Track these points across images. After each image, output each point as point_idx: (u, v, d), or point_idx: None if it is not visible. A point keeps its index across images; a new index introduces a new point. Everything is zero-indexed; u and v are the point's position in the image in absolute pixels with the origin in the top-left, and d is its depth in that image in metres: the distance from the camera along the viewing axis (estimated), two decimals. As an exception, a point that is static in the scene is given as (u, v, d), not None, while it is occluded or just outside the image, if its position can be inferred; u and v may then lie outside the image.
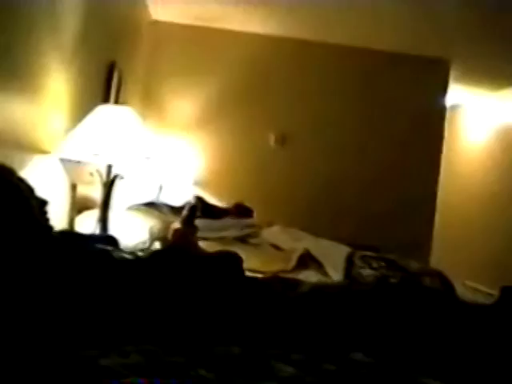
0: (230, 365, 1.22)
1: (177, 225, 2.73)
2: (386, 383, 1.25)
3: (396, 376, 1.30)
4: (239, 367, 1.22)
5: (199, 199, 4.31)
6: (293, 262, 2.94)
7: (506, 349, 1.64)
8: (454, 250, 7.03)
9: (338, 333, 1.47)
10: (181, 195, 4.90)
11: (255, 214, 4.69)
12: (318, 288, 1.58)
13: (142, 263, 1.44)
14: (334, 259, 2.98)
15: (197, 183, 5.41)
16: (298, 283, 1.54)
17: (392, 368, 1.34)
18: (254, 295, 1.42)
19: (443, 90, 5.88)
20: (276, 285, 1.50)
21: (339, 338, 1.45)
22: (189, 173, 5.38)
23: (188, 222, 2.71)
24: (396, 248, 4.14)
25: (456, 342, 1.62)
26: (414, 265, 3.16)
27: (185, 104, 5.52)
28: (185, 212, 2.77)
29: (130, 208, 3.59)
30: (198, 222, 2.95)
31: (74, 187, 3.02)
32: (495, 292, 1.94)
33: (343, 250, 3.13)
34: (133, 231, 2.86)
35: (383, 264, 2.95)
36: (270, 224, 4.22)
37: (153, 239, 2.93)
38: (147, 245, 2.83)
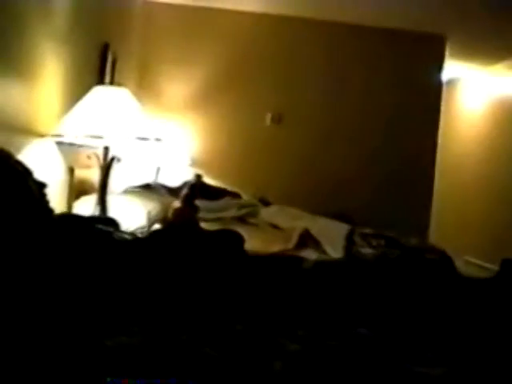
0: (235, 342, 1.22)
1: (177, 204, 2.71)
2: (389, 358, 1.25)
3: (399, 350, 1.30)
4: (243, 345, 1.22)
5: (199, 177, 4.28)
6: (293, 241, 2.94)
7: (507, 320, 1.65)
8: (453, 225, 7.04)
9: (342, 308, 1.47)
10: (178, 176, 4.88)
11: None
12: (321, 264, 1.58)
13: (144, 243, 1.43)
14: (333, 238, 2.97)
15: (194, 164, 5.39)
16: (301, 260, 1.54)
17: (395, 342, 1.34)
18: (257, 272, 1.42)
19: (439, 65, 5.86)
20: (279, 262, 1.50)
21: (343, 313, 1.45)
22: (186, 154, 5.36)
23: (189, 200, 2.70)
24: (395, 223, 4.17)
25: (457, 314, 1.63)
26: (414, 242, 3.15)
27: (180, 84, 5.48)
28: (185, 191, 2.75)
29: (126, 191, 3.57)
30: (196, 203, 2.93)
31: (71, 171, 3.00)
32: (497, 267, 1.94)
33: (342, 229, 3.13)
34: (130, 215, 2.84)
35: (382, 242, 2.95)
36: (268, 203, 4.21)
37: (151, 223, 2.92)
38: (146, 229, 2.82)
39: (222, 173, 5.34)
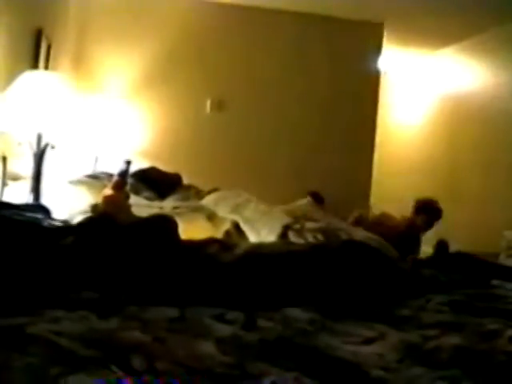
0: (166, 327, 1.22)
1: (108, 191, 2.66)
2: (324, 335, 1.27)
3: (329, 329, 1.33)
4: (176, 329, 1.22)
5: (128, 163, 4.20)
6: (219, 236, 2.88)
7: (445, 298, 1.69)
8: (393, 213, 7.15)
9: (276, 292, 1.48)
10: (117, 165, 4.80)
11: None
12: (253, 250, 1.58)
13: (72, 230, 1.41)
14: (264, 233, 2.87)
15: (134, 153, 5.31)
16: (233, 246, 1.54)
17: (328, 320, 1.37)
18: (188, 258, 1.42)
19: (377, 54, 5.93)
20: (211, 247, 1.50)
21: (277, 296, 1.46)
22: (125, 142, 5.27)
23: (119, 187, 2.65)
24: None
25: (391, 294, 1.66)
26: (357, 234, 3.05)
27: (119, 70, 5.40)
28: (115, 177, 2.71)
29: (73, 181, 3.46)
30: (136, 200, 2.87)
31: (4, 159, 2.92)
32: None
33: (279, 222, 3.01)
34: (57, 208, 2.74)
35: (320, 237, 2.87)
36: (211, 191, 4.12)
37: (71, 218, 2.83)
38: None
39: (163, 160, 5.29)
